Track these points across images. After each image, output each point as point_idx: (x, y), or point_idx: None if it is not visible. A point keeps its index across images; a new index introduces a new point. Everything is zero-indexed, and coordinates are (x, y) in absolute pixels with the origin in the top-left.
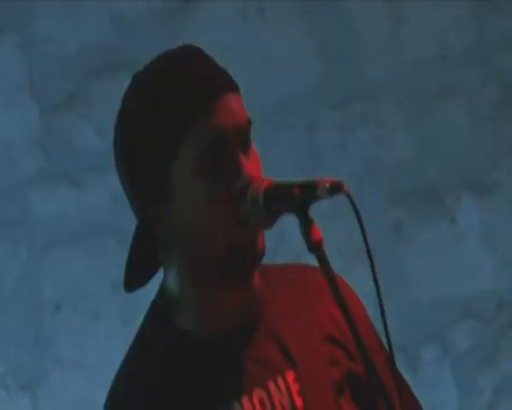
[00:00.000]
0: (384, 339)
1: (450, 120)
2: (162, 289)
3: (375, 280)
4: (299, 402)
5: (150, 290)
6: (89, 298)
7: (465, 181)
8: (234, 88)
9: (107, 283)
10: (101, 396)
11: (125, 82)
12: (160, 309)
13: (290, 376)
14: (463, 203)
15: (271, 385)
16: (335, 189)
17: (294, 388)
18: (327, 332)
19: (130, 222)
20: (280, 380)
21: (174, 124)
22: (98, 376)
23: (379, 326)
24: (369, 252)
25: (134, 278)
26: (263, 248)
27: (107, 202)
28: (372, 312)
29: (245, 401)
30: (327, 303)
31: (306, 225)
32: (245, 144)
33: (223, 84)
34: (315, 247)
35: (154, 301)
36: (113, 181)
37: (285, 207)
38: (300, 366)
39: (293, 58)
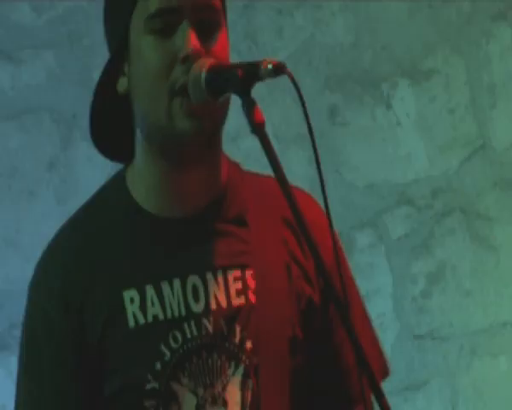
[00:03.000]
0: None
1: (387, 5)
2: (132, 161)
3: (318, 162)
4: (238, 301)
5: (89, 170)
6: (24, 176)
7: (401, 67)
8: None
9: (43, 161)
10: None
11: None
12: (123, 179)
13: (235, 273)
14: (399, 89)
15: (209, 276)
16: (278, 70)
17: (235, 286)
18: (290, 249)
19: (65, 101)
20: (219, 275)
21: None
22: (31, 254)
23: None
24: (311, 134)
25: (105, 137)
26: (205, 128)
27: (42, 80)
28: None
29: (176, 282)
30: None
31: (249, 106)
32: (203, 24)
33: None
34: (257, 128)
35: (121, 169)
36: (48, 59)
37: (227, 88)
38: (258, 265)
39: None
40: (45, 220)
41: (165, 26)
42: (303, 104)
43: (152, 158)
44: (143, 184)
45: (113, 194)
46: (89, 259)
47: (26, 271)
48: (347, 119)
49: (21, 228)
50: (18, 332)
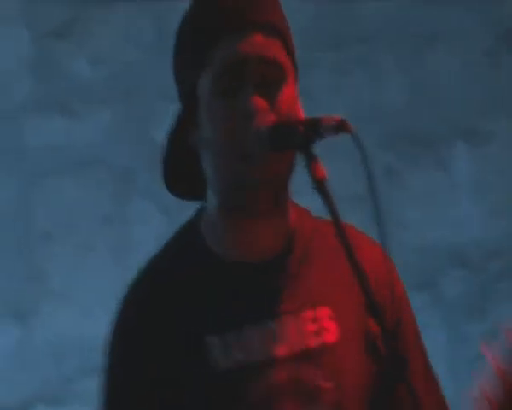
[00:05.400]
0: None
1: (444, 65)
2: (203, 207)
3: (380, 221)
4: (314, 342)
5: (144, 226)
6: (80, 231)
7: (458, 129)
8: (264, 28)
9: (99, 215)
10: (90, 329)
11: (121, 12)
12: (197, 224)
13: (308, 315)
14: (456, 152)
15: (283, 320)
16: (340, 127)
17: (309, 328)
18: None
19: (121, 155)
20: (292, 318)
21: (197, 47)
22: (87, 309)
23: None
24: (374, 193)
25: (177, 180)
26: (272, 185)
27: (99, 134)
28: None
29: (254, 327)
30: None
31: (311, 162)
32: (267, 79)
33: (250, 19)
34: (319, 184)
35: (191, 217)
36: (105, 113)
37: (290, 144)
38: (331, 306)
39: None
40: (101, 276)
41: (230, 84)
42: (366, 163)
43: (222, 210)
44: (216, 232)
45: (188, 239)
46: (167, 304)
47: (82, 326)
48: (403, 180)
49: (77, 283)
50: (74, 386)
